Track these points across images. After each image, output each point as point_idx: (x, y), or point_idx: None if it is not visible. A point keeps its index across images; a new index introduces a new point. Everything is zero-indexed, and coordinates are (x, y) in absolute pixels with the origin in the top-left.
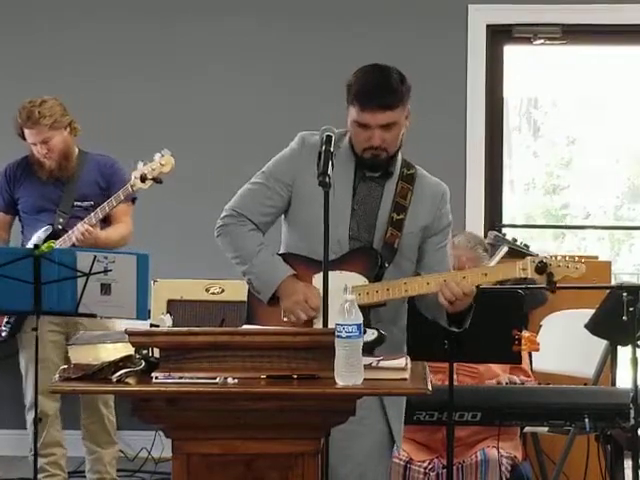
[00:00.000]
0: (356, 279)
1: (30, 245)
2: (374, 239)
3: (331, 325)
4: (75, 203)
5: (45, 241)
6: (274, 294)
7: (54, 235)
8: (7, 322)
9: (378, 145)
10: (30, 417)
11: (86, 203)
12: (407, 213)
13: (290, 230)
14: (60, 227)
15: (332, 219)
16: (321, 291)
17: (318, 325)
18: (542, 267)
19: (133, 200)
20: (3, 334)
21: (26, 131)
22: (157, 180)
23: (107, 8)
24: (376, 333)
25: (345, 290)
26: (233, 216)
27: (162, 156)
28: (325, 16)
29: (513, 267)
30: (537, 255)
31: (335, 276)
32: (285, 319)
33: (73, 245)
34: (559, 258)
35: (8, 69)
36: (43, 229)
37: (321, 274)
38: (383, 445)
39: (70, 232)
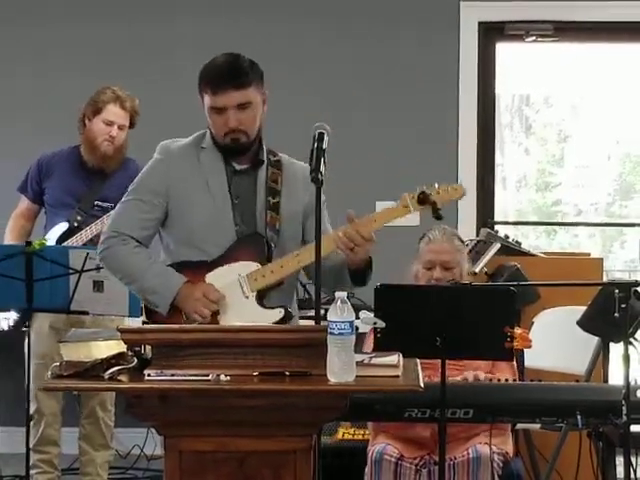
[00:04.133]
0: (248, 267)
1: (49, 240)
2: (257, 227)
3: (233, 322)
4: (96, 202)
5: (61, 237)
6: (172, 304)
7: (69, 232)
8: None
9: (235, 126)
10: (30, 412)
11: (106, 204)
12: (281, 196)
13: (170, 239)
14: (76, 224)
15: (215, 216)
16: (217, 286)
17: (224, 320)
18: (424, 198)
19: None
20: (5, 327)
21: (112, 108)
22: None
23: (105, 6)
24: (283, 311)
25: (239, 280)
26: (113, 237)
27: None
28: (318, 15)
29: (395, 207)
30: (530, 253)
31: (225, 271)
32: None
33: (90, 241)
34: (436, 185)
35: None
36: (59, 225)
37: (213, 272)
38: None
39: (84, 230)
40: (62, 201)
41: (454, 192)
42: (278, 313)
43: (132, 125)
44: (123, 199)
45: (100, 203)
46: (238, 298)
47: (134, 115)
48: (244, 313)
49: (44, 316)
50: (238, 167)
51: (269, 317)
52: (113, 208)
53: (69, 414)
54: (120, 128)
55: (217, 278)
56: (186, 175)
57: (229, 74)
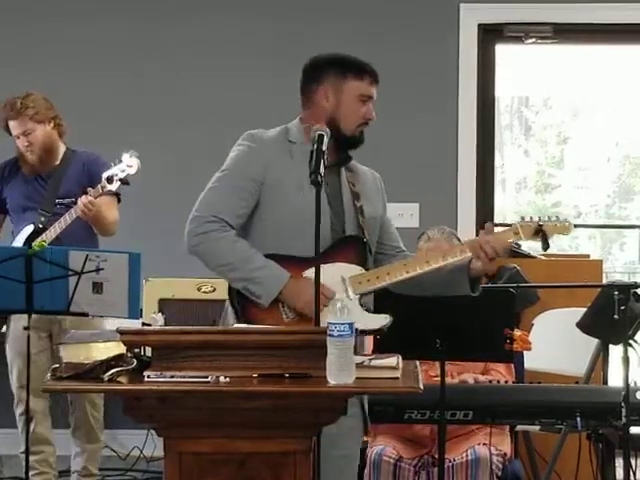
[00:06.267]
0: (351, 269)
1: (15, 244)
2: (346, 228)
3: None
4: (57, 201)
5: (27, 240)
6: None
7: (36, 234)
8: None
9: (373, 118)
10: (18, 412)
11: (67, 200)
12: (361, 199)
13: (255, 230)
14: (41, 226)
15: (309, 212)
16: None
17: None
18: (539, 230)
19: (118, 198)
20: None
21: (10, 123)
22: (123, 181)
23: (102, 4)
24: (389, 317)
25: (343, 281)
26: (213, 222)
27: (130, 157)
28: (316, 15)
29: (508, 232)
30: (529, 254)
31: (329, 268)
32: (286, 319)
33: (57, 239)
34: (546, 218)
35: None
36: (25, 229)
37: (310, 270)
38: (360, 428)
39: (49, 230)
40: (25, 206)
41: (564, 229)
42: (384, 319)
43: (42, 121)
44: (215, 183)
45: (61, 201)
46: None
47: (36, 114)
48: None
49: (19, 317)
50: (326, 164)
51: (375, 321)
52: (74, 202)
53: (57, 415)
54: (26, 134)
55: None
56: (280, 166)
57: (374, 69)
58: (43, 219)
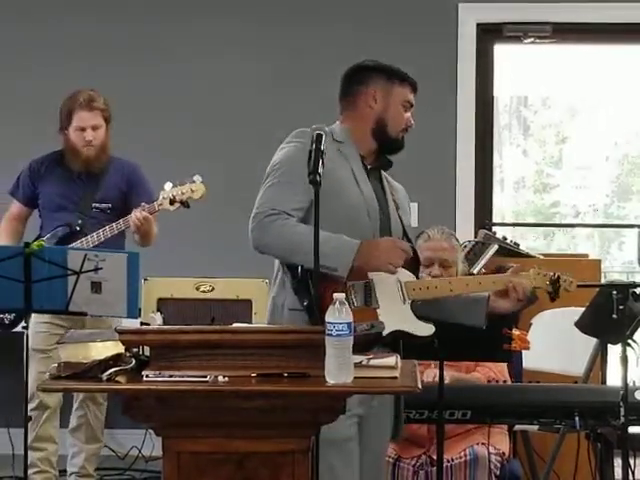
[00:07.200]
0: (406, 274)
1: (49, 243)
2: (392, 234)
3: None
4: (94, 205)
5: (61, 240)
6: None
7: (71, 235)
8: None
9: (413, 125)
10: (30, 407)
11: (104, 205)
12: (399, 209)
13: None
14: (77, 228)
15: (363, 208)
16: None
17: (384, 317)
18: (556, 281)
19: None
20: (6, 321)
21: (80, 113)
22: (185, 204)
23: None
24: (433, 328)
25: (398, 283)
26: (274, 214)
27: (193, 182)
28: (316, 15)
29: (529, 280)
30: (528, 254)
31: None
32: (353, 307)
33: (95, 247)
34: (563, 276)
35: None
36: (61, 228)
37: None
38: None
39: (90, 235)
40: (60, 205)
41: (572, 286)
42: (430, 328)
43: (107, 121)
44: (269, 183)
45: (98, 205)
46: (398, 301)
47: (104, 112)
48: (405, 318)
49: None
50: (369, 166)
51: (424, 329)
52: (110, 209)
53: (62, 414)
54: (94, 129)
55: (375, 274)
56: (333, 163)
57: (414, 80)
58: (80, 221)
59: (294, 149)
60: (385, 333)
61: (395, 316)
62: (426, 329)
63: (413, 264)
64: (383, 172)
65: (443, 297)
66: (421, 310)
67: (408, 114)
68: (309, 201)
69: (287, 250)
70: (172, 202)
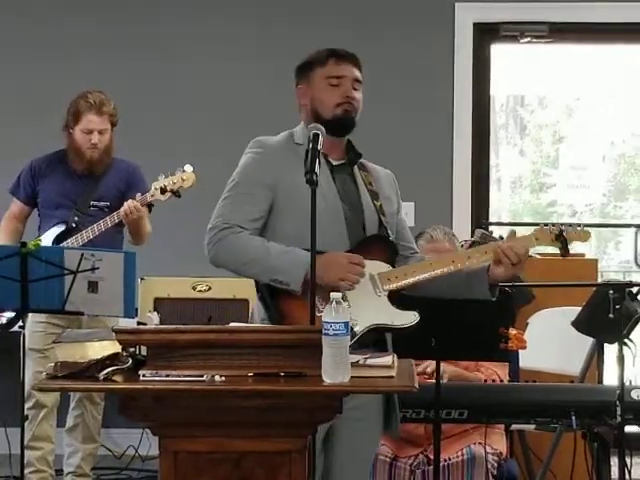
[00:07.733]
0: (380, 266)
1: (44, 241)
2: (366, 227)
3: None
4: (92, 203)
5: (58, 238)
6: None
7: (67, 232)
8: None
9: (351, 96)
10: (27, 406)
11: (102, 203)
12: (379, 198)
13: (276, 235)
14: (74, 225)
15: (326, 211)
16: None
17: (357, 314)
18: (560, 235)
19: (150, 207)
20: (4, 320)
21: (89, 116)
22: (176, 194)
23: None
24: (417, 315)
25: (371, 278)
26: (225, 228)
27: (184, 171)
28: (312, 14)
29: (530, 239)
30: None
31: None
32: (318, 313)
33: (90, 241)
34: (565, 225)
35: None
36: (57, 225)
37: None
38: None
39: (85, 231)
40: (58, 203)
41: (585, 235)
42: (412, 316)
43: (114, 125)
44: (226, 194)
45: (96, 203)
46: (371, 295)
47: (113, 117)
48: (380, 311)
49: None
50: (335, 162)
51: (404, 318)
52: (109, 207)
53: (59, 414)
54: (101, 133)
55: None
56: (291, 168)
57: (349, 52)
58: (77, 218)
59: (250, 160)
60: (359, 330)
61: (369, 311)
62: (406, 317)
63: (391, 255)
64: (363, 161)
65: (441, 275)
66: (421, 291)
67: (340, 89)
68: (266, 209)
69: (240, 264)
70: (163, 191)
